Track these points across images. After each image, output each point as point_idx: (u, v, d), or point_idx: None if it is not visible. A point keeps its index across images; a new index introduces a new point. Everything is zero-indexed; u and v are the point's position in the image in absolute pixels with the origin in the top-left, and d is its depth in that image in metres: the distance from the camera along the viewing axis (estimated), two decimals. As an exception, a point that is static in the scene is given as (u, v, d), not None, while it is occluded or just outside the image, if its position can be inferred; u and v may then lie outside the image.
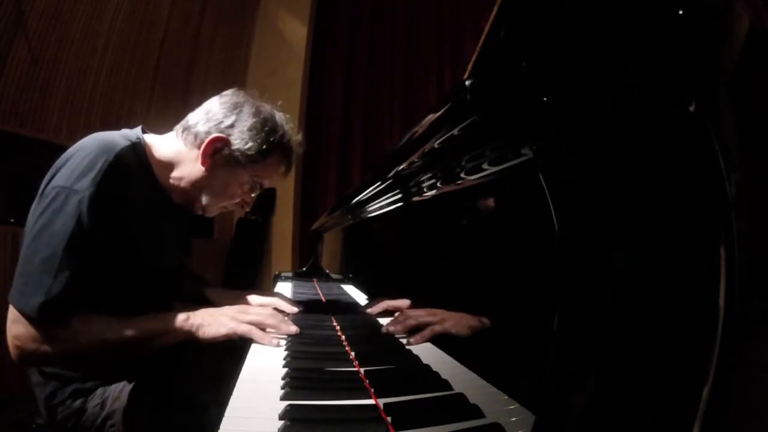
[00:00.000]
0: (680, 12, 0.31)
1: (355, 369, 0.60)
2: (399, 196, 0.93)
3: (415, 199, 0.86)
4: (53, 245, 0.69)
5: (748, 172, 0.30)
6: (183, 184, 0.90)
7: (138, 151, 0.85)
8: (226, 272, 3.23)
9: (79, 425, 0.82)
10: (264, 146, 0.89)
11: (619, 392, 0.29)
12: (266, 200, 3.35)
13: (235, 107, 0.90)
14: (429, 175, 0.72)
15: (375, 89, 3.19)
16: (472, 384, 0.53)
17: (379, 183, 0.93)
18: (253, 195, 0.97)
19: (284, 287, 1.62)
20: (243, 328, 0.75)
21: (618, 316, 0.30)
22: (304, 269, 2.20)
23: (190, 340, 0.77)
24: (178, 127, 0.92)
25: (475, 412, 0.45)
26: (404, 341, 0.74)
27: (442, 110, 0.46)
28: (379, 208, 1.10)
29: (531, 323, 0.44)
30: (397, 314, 0.86)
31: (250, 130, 0.88)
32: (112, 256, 0.78)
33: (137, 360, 0.82)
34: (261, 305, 0.97)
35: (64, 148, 0.80)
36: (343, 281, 1.65)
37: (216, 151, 0.88)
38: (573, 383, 0.32)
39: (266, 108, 0.94)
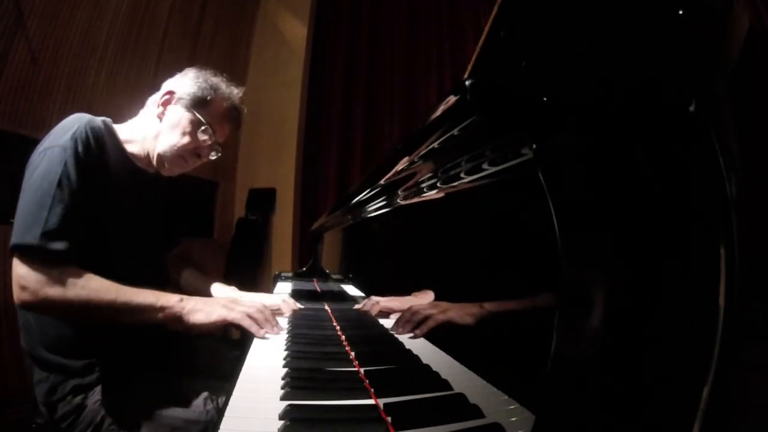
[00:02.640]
0: (680, 12, 0.31)
1: (355, 369, 0.60)
2: (399, 196, 0.93)
3: (415, 199, 0.86)
4: (44, 188, 0.77)
5: (748, 172, 0.30)
6: (146, 145, 1.01)
7: (108, 127, 0.96)
8: (226, 272, 3.23)
9: (78, 421, 0.83)
10: (205, 86, 1.01)
11: (618, 392, 0.29)
12: (266, 200, 3.35)
13: (182, 73, 1.05)
14: (429, 175, 0.72)
15: (375, 89, 3.19)
16: (472, 384, 0.53)
17: (379, 183, 0.93)
18: (207, 139, 1.02)
19: (284, 287, 1.62)
20: (234, 315, 0.79)
21: (618, 315, 0.30)
22: (304, 269, 2.20)
23: (178, 321, 0.80)
24: (141, 111, 1.06)
25: (475, 412, 0.45)
26: (409, 336, 0.75)
27: (442, 110, 0.46)
28: (379, 208, 1.10)
29: (531, 323, 0.44)
30: (401, 314, 0.86)
31: (192, 79, 1.02)
32: (94, 217, 0.84)
33: (128, 342, 0.85)
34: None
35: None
36: (343, 281, 1.65)
37: (166, 102, 1.01)
38: (573, 383, 0.32)
39: (209, 72, 1.05)
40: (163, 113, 1.01)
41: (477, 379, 0.54)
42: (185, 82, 1.01)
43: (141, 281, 0.84)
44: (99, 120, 0.93)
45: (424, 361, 0.63)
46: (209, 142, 1.03)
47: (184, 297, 0.82)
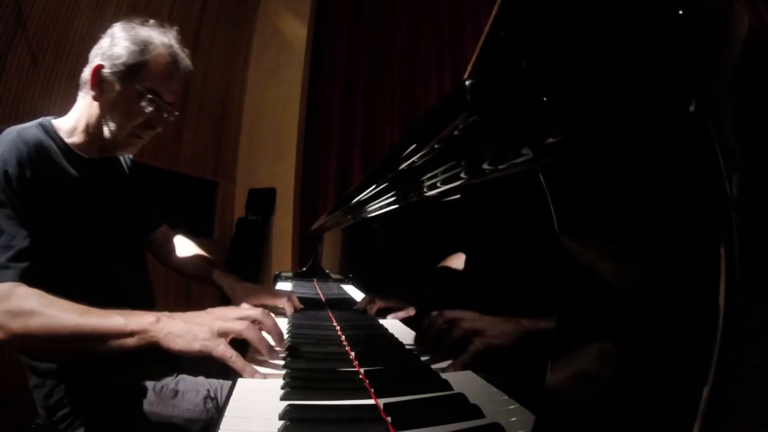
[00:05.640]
0: (680, 12, 0.31)
1: (355, 369, 0.60)
2: (399, 196, 0.93)
3: (415, 199, 0.86)
4: None
5: (748, 172, 0.30)
6: (91, 130, 0.91)
7: (46, 127, 0.88)
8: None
9: (77, 423, 0.83)
10: (135, 50, 0.87)
11: (618, 392, 0.29)
12: (266, 200, 3.36)
13: (107, 35, 0.91)
14: (429, 175, 0.72)
15: (375, 89, 3.19)
16: (472, 384, 0.53)
17: (378, 183, 0.93)
18: (154, 108, 0.91)
19: (284, 287, 1.62)
20: (218, 352, 0.61)
21: (617, 316, 0.30)
22: (304, 269, 2.20)
23: (154, 347, 0.66)
24: (79, 96, 0.94)
25: (475, 412, 0.45)
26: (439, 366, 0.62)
27: (442, 110, 0.46)
28: (379, 208, 1.10)
29: (531, 324, 0.44)
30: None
31: (118, 44, 0.88)
32: (47, 230, 0.79)
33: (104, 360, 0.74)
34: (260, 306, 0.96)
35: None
36: (343, 281, 1.65)
37: (97, 79, 0.88)
38: (573, 383, 0.32)
39: (137, 25, 0.92)
40: (98, 94, 0.88)
41: (477, 379, 0.54)
42: (112, 51, 0.87)
43: (119, 279, 0.82)
44: (33, 127, 0.85)
45: (424, 361, 0.63)
46: (159, 109, 0.92)
47: (162, 316, 0.68)
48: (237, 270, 3.18)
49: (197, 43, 3.14)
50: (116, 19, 0.95)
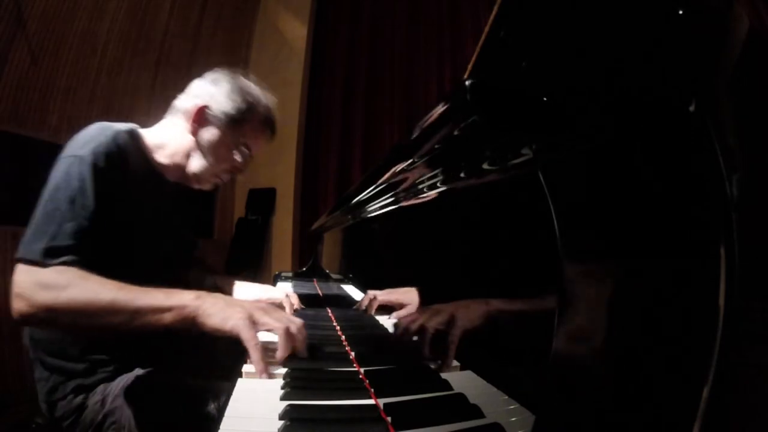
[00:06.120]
0: (680, 12, 0.31)
1: (355, 369, 0.60)
2: (399, 196, 0.93)
3: (416, 199, 0.86)
4: (56, 200, 0.75)
5: (748, 172, 0.30)
6: (176, 158, 0.97)
7: (134, 136, 0.93)
8: (226, 272, 3.23)
9: (78, 421, 0.83)
10: (241, 106, 0.95)
11: (618, 392, 0.29)
12: (266, 200, 3.35)
13: (214, 81, 0.98)
14: (429, 175, 0.72)
15: (375, 89, 3.19)
16: (472, 384, 0.53)
17: (379, 183, 0.93)
18: (242, 160, 1.00)
19: (284, 287, 1.62)
20: (246, 334, 0.63)
21: (617, 315, 0.30)
22: (304, 269, 2.20)
23: (190, 323, 0.68)
24: (167, 114, 1.00)
25: (475, 412, 0.45)
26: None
27: (442, 110, 0.46)
28: (379, 208, 1.10)
29: (531, 323, 0.44)
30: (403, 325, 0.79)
31: (227, 94, 0.96)
32: (112, 228, 0.81)
33: (132, 345, 0.82)
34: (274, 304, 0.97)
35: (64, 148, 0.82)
36: (343, 281, 1.65)
37: (200, 118, 0.95)
38: (573, 383, 0.32)
39: (242, 78, 1.01)
40: (196, 130, 0.95)
41: (477, 379, 0.54)
42: (219, 99, 0.95)
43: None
44: (124, 131, 0.89)
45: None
46: (246, 160, 1.01)
47: (203, 294, 0.70)
48: (237, 270, 3.19)
49: (197, 43, 3.14)
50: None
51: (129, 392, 0.83)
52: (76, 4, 2.25)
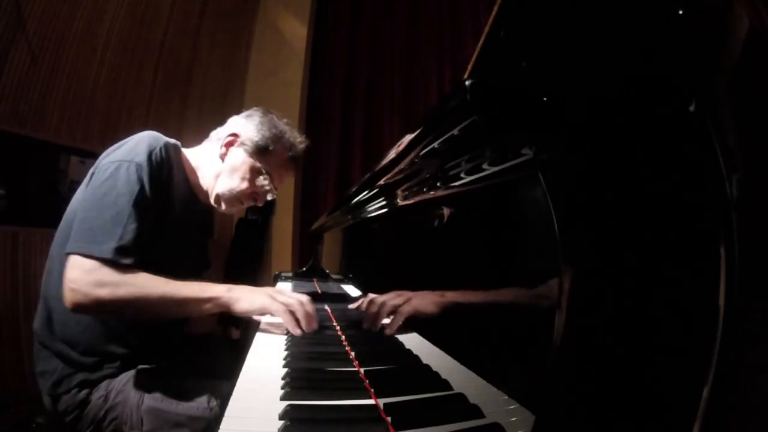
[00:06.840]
0: (680, 12, 0.31)
1: (355, 369, 0.60)
2: (399, 196, 0.93)
3: (416, 199, 0.86)
4: (120, 204, 0.80)
5: (748, 172, 0.30)
6: (206, 181, 1.05)
7: (177, 150, 1.01)
8: (226, 272, 3.23)
9: (81, 417, 0.84)
10: (268, 136, 1.04)
11: (618, 392, 0.29)
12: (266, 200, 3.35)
13: (248, 115, 1.09)
14: (429, 175, 0.72)
15: (375, 89, 3.19)
16: (472, 384, 0.53)
17: (378, 183, 0.93)
18: (265, 187, 1.06)
19: (284, 287, 1.62)
20: (275, 307, 0.80)
21: (618, 315, 0.30)
22: (304, 269, 2.20)
23: (224, 309, 0.82)
24: (204, 141, 1.11)
25: (475, 412, 0.45)
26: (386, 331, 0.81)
27: (442, 110, 0.46)
28: (379, 208, 1.10)
29: (531, 323, 0.44)
30: (363, 305, 0.94)
31: (257, 126, 1.05)
32: (153, 237, 0.85)
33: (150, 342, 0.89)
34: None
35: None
36: (343, 281, 1.65)
37: (230, 144, 1.04)
38: (573, 383, 0.32)
39: (274, 116, 1.09)
40: (225, 154, 1.04)
41: (477, 379, 0.54)
42: (250, 127, 1.04)
43: None
44: (171, 143, 0.96)
45: (424, 361, 0.63)
46: (267, 188, 1.06)
47: (232, 286, 0.84)
48: (237, 270, 3.19)
49: (197, 43, 3.14)
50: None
51: (132, 387, 0.84)
52: (76, 5, 2.24)
